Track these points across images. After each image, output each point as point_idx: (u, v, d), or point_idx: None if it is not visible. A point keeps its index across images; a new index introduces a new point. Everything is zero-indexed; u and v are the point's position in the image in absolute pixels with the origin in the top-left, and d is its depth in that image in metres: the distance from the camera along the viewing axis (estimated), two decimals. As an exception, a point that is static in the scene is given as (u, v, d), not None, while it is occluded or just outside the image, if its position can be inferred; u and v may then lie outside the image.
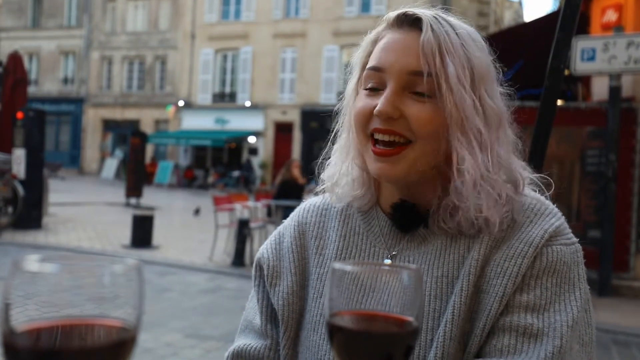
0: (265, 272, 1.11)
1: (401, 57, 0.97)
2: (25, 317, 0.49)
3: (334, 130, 1.13)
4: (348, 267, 0.65)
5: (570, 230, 0.98)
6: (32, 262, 0.49)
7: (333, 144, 1.13)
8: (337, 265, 0.65)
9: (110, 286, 0.51)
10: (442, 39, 0.95)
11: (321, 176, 1.13)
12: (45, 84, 37.60)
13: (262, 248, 1.16)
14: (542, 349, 0.88)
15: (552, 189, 1.05)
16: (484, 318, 0.92)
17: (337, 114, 1.12)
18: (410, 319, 0.63)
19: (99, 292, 0.51)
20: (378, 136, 0.98)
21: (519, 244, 0.94)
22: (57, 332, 0.50)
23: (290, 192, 10.34)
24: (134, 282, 0.52)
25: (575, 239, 0.97)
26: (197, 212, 16.27)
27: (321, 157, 1.15)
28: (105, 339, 0.51)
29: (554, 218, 0.97)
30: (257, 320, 1.13)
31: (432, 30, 0.95)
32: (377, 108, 0.96)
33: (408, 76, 0.96)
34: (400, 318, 0.64)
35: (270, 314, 1.11)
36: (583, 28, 9.35)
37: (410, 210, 1.01)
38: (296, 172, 10.96)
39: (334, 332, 0.64)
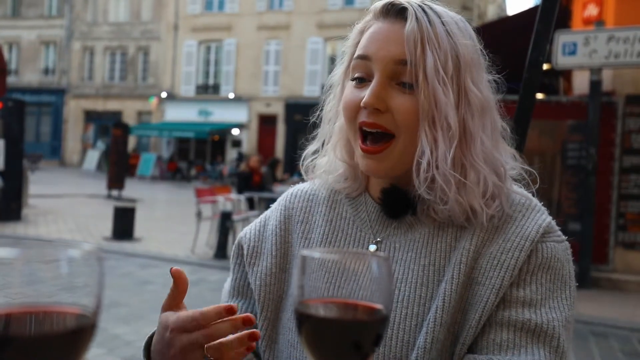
0: (245, 252, 1.12)
1: (386, 45, 0.97)
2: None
3: (318, 119, 1.13)
4: (316, 255, 0.64)
5: (558, 228, 0.99)
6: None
7: (317, 133, 1.13)
8: (306, 252, 0.64)
9: (69, 272, 0.50)
10: (425, 28, 0.94)
11: (305, 164, 1.13)
12: (26, 74, 37.09)
13: (246, 229, 1.16)
14: (542, 347, 0.89)
15: (538, 185, 1.04)
16: (480, 310, 0.92)
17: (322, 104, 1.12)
18: (380, 306, 0.63)
19: (56, 278, 0.49)
20: (366, 129, 0.98)
21: (515, 237, 0.95)
22: (10, 319, 0.48)
23: (247, 182, 11.90)
24: (94, 268, 0.51)
25: (564, 237, 0.99)
26: None
27: (307, 149, 1.14)
28: (62, 326, 0.50)
29: (544, 214, 0.99)
30: (226, 296, 1.15)
31: (417, 20, 0.95)
32: (363, 100, 0.96)
33: (393, 65, 0.96)
34: (369, 306, 0.63)
35: (243, 291, 1.12)
36: (565, 22, 9.41)
37: (400, 195, 1.01)
38: (254, 164, 12.18)
39: (302, 320, 0.63)
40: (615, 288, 8.19)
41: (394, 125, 0.96)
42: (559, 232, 0.99)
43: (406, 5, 0.97)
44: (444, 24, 0.96)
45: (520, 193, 1.02)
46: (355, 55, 1.01)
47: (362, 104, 0.97)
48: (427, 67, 0.93)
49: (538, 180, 1.04)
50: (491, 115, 1.00)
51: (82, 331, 0.50)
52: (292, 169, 23.59)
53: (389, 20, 0.99)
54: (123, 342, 5.15)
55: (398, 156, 0.97)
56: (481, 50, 1.02)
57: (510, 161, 1.03)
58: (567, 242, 0.99)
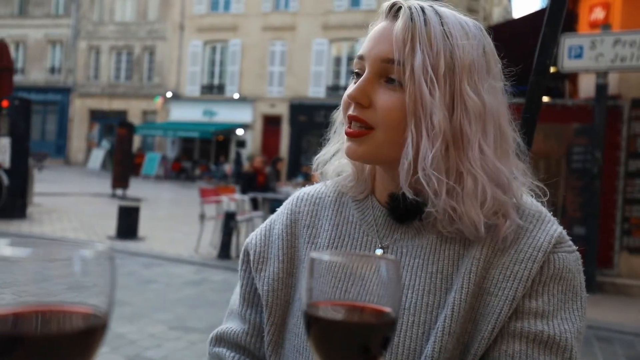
0: (252, 258, 1.11)
1: (377, 44, 0.98)
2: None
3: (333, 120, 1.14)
4: (325, 257, 0.64)
5: (569, 238, 0.98)
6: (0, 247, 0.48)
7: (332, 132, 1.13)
8: (315, 254, 0.64)
9: (81, 272, 0.50)
10: (418, 27, 0.93)
11: (317, 164, 1.13)
12: (32, 73, 37.20)
13: (252, 235, 1.16)
14: (554, 358, 0.89)
15: (547, 197, 1.02)
16: (493, 321, 0.91)
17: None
18: (388, 309, 0.63)
19: (68, 278, 0.50)
20: (352, 122, 0.99)
21: (528, 248, 0.93)
22: (21, 318, 0.48)
23: (251, 182, 11.75)
24: (105, 267, 0.51)
25: (575, 247, 0.98)
26: None
27: (321, 148, 1.14)
28: (74, 326, 0.50)
29: (555, 224, 0.98)
30: (237, 305, 1.14)
31: (411, 19, 0.94)
32: (349, 93, 0.98)
33: (381, 63, 0.96)
34: (377, 309, 0.63)
35: (251, 299, 1.12)
36: (571, 26, 9.39)
37: (408, 200, 0.98)
38: (258, 165, 12.00)
39: (311, 322, 0.63)
40: (620, 293, 8.16)
41: (375, 120, 0.96)
42: (570, 242, 0.97)
43: (402, 4, 0.97)
44: (443, 25, 0.94)
45: (532, 203, 1.00)
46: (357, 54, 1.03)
47: (347, 97, 0.99)
48: (415, 65, 0.92)
49: (547, 193, 1.03)
50: (496, 124, 0.96)
51: (93, 331, 0.50)
52: (296, 170, 23.58)
53: (388, 19, 0.99)
54: (126, 341, 5.15)
55: (376, 146, 0.97)
56: (487, 55, 0.98)
57: (520, 176, 1.00)
58: (577, 253, 0.98)
